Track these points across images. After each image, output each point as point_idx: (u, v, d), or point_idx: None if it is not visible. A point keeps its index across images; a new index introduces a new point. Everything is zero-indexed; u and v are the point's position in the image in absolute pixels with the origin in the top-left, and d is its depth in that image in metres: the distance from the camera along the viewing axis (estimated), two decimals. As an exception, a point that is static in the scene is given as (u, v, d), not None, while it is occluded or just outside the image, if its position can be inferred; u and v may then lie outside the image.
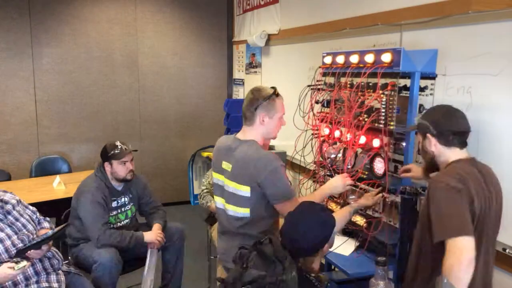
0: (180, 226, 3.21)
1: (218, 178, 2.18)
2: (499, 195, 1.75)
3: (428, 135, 1.75)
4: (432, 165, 1.81)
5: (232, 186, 2.07)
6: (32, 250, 2.14)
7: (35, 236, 2.31)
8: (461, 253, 1.50)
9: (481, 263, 1.66)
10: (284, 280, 1.51)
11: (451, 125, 1.72)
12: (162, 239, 2.92)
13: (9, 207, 2.30)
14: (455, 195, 1.59)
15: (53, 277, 2.28)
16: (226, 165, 2.10)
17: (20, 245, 2.20)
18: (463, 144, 1.76)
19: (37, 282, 2.21)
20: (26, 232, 2.28)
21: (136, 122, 5.45)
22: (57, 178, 3.84)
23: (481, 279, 1.69)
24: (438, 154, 1.76)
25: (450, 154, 1.75)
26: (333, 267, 2.54)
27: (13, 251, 2.16)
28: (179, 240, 3.15)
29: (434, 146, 1.74)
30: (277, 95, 2.09)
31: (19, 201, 2.41)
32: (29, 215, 2.40)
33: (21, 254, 2.13)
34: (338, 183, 2.15)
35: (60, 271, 2.36)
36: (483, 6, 2.13)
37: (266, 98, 2.03)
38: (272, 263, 1.57)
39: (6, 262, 2.07)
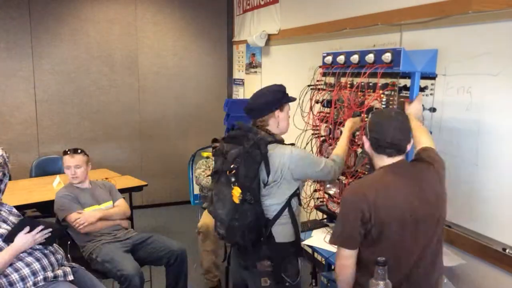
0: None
1: None
2: (432, 195, 1.76)
3: (364, 137, 1.80)
4: (372, 164, 1.85)
5: None
6: (20, 235, 2.19)
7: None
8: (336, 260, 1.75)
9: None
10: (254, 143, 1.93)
11: (380, 135, 1.71)
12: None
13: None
14: (349, 205, 1.69)
15: (59, 271, 2.30)
16: None
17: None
18: (390, 155, 1.72)
19: (45, 278, 2.23)
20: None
21: (136, 122, 5.45)
22: (57, 178, 3.84)
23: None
24: (371, 156, 1.80)
25: (378, 161, 1.77)
26: (333, 267, 2.54)
27: None
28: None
29: (367, 148, 1.79)
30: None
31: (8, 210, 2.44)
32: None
33: (8, 240, 2.19)
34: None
35: (65, 264, 2.40)
36: (483, 6, 2.13)
37: None
38: (242, 137, 1.98)
39: None
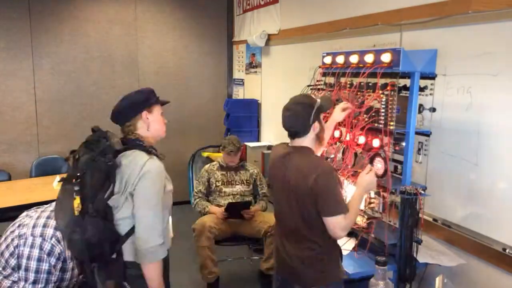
0: None
1: None
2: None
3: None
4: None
5: None
6: None
7: None
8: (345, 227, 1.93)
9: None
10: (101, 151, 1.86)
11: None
12: None
13: None
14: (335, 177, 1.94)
15: None
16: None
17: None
18: (290, 137, 2.02)
19: None
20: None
21: (136, 122, 5.44)
22: (57, 178, 3.84)
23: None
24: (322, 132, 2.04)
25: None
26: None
27: None
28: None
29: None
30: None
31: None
32: None
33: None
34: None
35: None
36: (483, 6, 2.13)
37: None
38: (96, 142, 1.93)
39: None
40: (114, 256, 1.82)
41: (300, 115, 1.94)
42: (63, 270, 2.12)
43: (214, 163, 3.90)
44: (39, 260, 2.02)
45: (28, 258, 2.02)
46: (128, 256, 1.84)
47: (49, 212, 2.16)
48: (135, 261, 1.82)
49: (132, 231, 1.81)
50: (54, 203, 1.98)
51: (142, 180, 1.81)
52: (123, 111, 2.01)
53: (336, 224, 1.85)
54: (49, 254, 2.03)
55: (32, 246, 2.02)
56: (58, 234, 2.07)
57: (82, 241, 1.74)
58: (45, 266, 2.02)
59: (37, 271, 2.01)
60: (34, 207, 2.27)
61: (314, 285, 1.99)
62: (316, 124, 1.96)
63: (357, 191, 2.00)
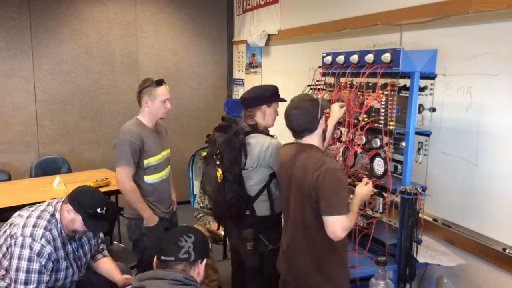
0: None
1: None
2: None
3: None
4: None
5: None
6: None
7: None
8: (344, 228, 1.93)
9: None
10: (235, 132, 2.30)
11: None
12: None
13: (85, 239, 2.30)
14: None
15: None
16: None
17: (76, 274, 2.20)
18: (296, 136, 2.06)
19: None
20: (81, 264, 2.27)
21: (136, 122, 5.44)
22: (57, 178, 3.84)
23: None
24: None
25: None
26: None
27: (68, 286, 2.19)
28: None
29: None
30: (158, 84, 2.64)
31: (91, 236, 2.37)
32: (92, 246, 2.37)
33: None
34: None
35: None
36: (483, 6, 2.13)
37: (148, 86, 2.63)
38: (227, 127, 2.38)
39: None
40: (247, 213, 2.39)
41: (309, 111, 1.97)
42: (56, 270, 2.11)
43: None
44: (29, 260, 2.01)
45: (19, 258, 2.01)
46: (259, 212, 2.39)
47: (40, 212, 2.15)
48: (263, 215, 2.39)
49: (260, 193, 2.37)
50: (45, 202, 2.25)
51: (272, 152, 2.31)
52: (250, 100, 2.46)
53: (337, 223, 1.83)
54: (39, 254, 2.02)
55: (22, 246, 2.01)
56: (48, 234, 2.06)
57: (225, 201, 2.32)
58: (35, 266, 2.01)
59: (27, 271, 2.00)
60: (26, 207, 2.26)
61: None
62: (323, 120, 2.01)
63: (355, 200, 2.01)
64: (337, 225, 1.84)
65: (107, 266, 2.42)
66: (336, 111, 2.27)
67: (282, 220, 2.30)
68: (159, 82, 2.64)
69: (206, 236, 1.77)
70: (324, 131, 2.07)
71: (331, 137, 2.41)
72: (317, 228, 1.91)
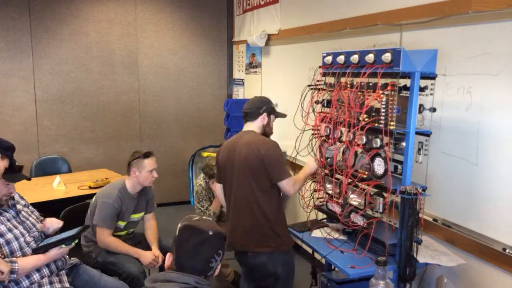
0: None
1: None
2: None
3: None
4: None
5: None
6: (55, 249, 2.19)
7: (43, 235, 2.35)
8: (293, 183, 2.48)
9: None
10: None
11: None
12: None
13: (19, 207, 2.34)
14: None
15: (55, 278, 2.29)
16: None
17: (32, 243, 2.23)
18: (243, 120, 2.60)
19: (50, 282, 2.23)
20: (36, 231, 2.31)
21: (136, 122, 5.45)
22: (57, 178, 3.84)
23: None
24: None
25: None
26: (333, 267, 2.54)
27: (26, 249, 2.19)
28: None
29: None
30: (146, 156, 2.92)
31: (26, 204, 2.44)
32: (36, 216, 2.43)
33: (40, 250, 2.18)
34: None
35: (63, 268, 2.39)
36: (483, 6, 2.13)
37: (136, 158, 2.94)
38: None
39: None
40: None
41: (255, 102, 2.60)
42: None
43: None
44: None
45: None
46: None
47: None
48: None
49: None
50: None
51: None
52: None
53: (288, 184, 2.44)
54: None
55: None
56: None
57: None
58: None
59: None
60: None
61: (267, 251, 2.45)
62: (265, 116, 2.56)
63: (303, 168, 2.61)
64: (290, 185, 2.44)
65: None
66: (310, 164, 2.60)
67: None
68: (147, 155, 2.93)
69: (222, 233, 1.55)
70: (266, 131, 2.58)
71: (330, 137, 2.43)
72: (262, 198, 2.45)
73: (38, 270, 2.19)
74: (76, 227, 2.31)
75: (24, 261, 2.11)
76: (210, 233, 1.46)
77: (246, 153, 2.44)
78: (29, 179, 2.38)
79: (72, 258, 2.50)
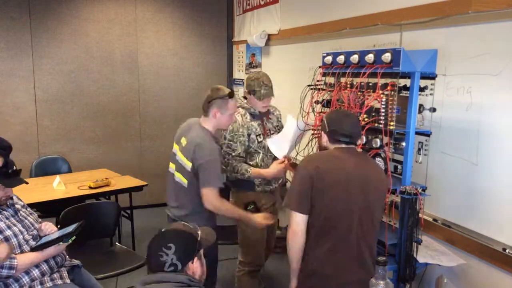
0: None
1: (175, 147, 2.73)
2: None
3: (322, 132, 2.07)
4: None
5: (180, 157, 2.63)
6: (52, 246, 2.19)
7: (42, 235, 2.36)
8: (290, 225, 1.92)
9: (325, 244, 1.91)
10: None
11: (339, 127, 1.98)
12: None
13: (18, 206, 2.37)
14: (302, 171, 1.93)
15: (56, 275, 2.30)
16: (183, 140, 2.62)
17: (31, 241, 2.24)
18: (346, 144, 1.98)
19: (52, 279, 2.24)
20: (34, 230, 2.33)
21: (136, 122, 5.45)
22: (57, 178, 3.84)
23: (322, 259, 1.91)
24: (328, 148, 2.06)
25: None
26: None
27: (25, 246, 2.20)
28: None
29: (325, 142, 2.04)
30: (231, 97, 2.56)
31: (24, 205, 2.46)
32: (35, 218, 2.44)
33: (38, 249, 2.18)
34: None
35: (64, 265, 2.39)
36: (483, 6, 2.13)
37: (220, 97, 2.54)
38: None
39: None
40: None
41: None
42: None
43: (242, 112, 2.99)
44: None
45: None
46: None
47: None
48: None
49: None
50: None
51: None
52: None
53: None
54: None
55: None
56: None
57: None
58: None
59: None
60: None
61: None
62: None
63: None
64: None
65: None
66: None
67: None
68: (232, 95, 2.53)
69: (190, 232, 1.62)
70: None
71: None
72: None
73: (37, 266, 2.19)
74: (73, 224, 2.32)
75: (22, 257, 2.13)
76: (162, 230, 1.64)
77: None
78: (26, 183, 2.38)
79: (73, 260, 2.49)
